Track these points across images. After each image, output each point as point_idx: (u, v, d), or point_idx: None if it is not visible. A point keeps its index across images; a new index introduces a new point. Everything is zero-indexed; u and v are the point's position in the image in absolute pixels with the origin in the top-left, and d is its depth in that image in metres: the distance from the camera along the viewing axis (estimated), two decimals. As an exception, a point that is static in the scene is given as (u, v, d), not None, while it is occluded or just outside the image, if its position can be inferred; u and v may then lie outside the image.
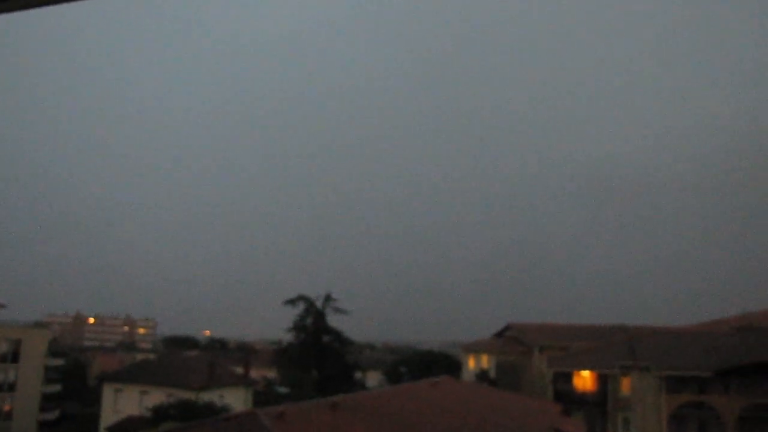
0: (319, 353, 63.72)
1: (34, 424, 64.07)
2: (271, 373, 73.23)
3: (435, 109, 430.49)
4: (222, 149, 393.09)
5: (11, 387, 62.94)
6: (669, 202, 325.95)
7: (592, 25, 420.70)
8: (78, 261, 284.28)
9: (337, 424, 23.06)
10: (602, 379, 58.29)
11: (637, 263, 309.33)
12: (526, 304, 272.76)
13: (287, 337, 68.08)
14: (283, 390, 62.23)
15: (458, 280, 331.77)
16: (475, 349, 74.70)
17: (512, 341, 71.26)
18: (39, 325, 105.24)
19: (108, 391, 57.60)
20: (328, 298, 65.46)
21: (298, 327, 65.06)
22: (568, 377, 60.28)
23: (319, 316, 65.04)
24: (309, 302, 65.28)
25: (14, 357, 63.86)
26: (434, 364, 78.80)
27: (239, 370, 64.97)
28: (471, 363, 72.99)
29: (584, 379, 59.75)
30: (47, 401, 67.78)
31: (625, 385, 56.78)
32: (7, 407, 62.30)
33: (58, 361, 74.78)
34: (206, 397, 49.12)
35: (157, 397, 50.41)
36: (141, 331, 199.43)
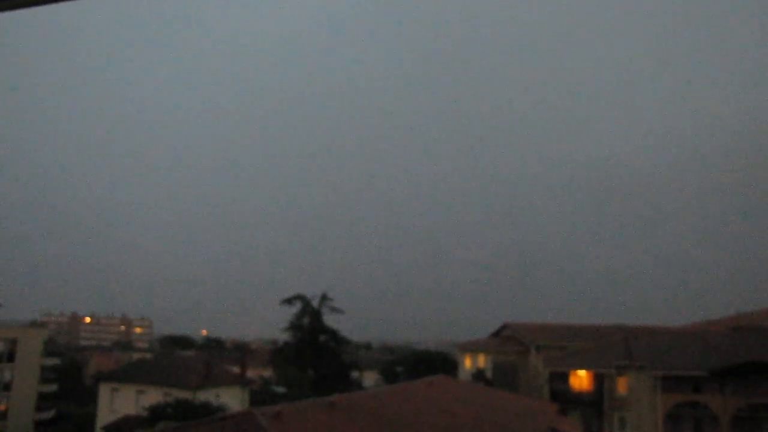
0: (315, 353, 63.74)
1: (30, 423, 63.92)
2: (268, 373, 73.28)
3: (434, 109, 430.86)
4: (219, 149, 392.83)
5: (7, 386, 62.79)
6: (666, 202, 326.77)
7: (592, 25, 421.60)
8: (74, 260, 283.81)
9: (334, 424, 23.08)
10: (598, 379, 58.39)
11: (633, 263, 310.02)
12: (523, 304, 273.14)
13: (284, 337, 68.17)
14: (279, 389, 62.30)
15: (455, 280, 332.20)
16: (472, 348, 74.74)
17: (509, 341, 71.33)
18: (35, 324, 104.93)
19: (104, 391, 57.54)
20: (324, 298, 65.50)
21: (295, 326, 65.08)
22: (564, 377, 60.36)
23: (316, 315, 65.06)
24: (305, 302, 65.31)
25: (10, 356, 63.70)
26: (431, 363, 78.85)
27: (236, 369, 64.95)
28: (467, 362, 73.03)
29: (580, 379, 59.84)
30: (43, 401, 67.65)
31: (622, 384, 56.89)
32: (2, 407, 62.18)
33: (54, 361, 74.70)
34: (203, 396, 49.09)
35: (153, 396, 50.37)
36: (137, 330, 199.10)
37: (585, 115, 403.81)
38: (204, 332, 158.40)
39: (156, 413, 43.36)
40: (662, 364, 55.52)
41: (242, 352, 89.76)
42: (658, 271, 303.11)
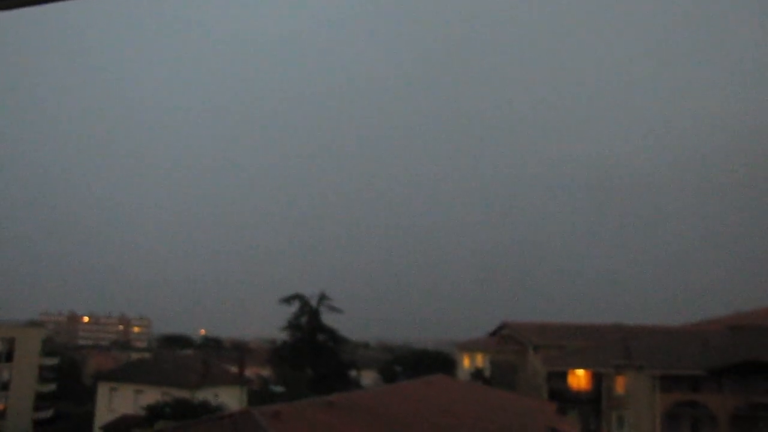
0: (313, 352, 63.74)
1: (28, 423, 63.89)
2: (266, 372, 73.19)
3: (432, 108, 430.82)
4: (217, 148, 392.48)
5: (5, 386, 62.74)
6: (665, 202, 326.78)
7: (592, 25, 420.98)
8: (72, 259, 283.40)
9: (333, 423, 23.10)
10: (597, 378, 58.46)
11: (632, 263, 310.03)
12: (521, 303, 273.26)
13: (282, 336, 68.17)
14: (277, 389, 62.22)
15: (453, 279, 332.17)
16: (471, 347, 74.87)
17: (507, 340, 71.37)
18: (33, 323, 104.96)
19: (103, 390, 57.51)
20: (322, 297, 65.49)
21: (293, 326, 65.08)
22: (562, 376, 60.41)
23: (314, 314, 65.06)
24: (304, 301, 65.30)
25: (8, 356, 63.65)
26: (429, 362, 78.90)
27: (234, 369, 64.95)
28: (466, 362, 73.16)
29: (579, 378, 59.91)
30: (42, 400, 67.61)
31: (620, 383, 56.96)
32: (1, 406, 62.12)
33: (53, 360, 74.62)
34: (201, 395, 49.07)
35: (151, 395, 50.32)
36: (136, 329, 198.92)
37: (584, 115, 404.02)
38: (202, 331, 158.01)
39: (154, 413, 43.36)
40: (660, 363, 55.62)
41: (241, 351, 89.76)
42: (657, 270, 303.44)
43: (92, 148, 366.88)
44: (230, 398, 54.24)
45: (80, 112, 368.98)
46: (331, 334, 65.63)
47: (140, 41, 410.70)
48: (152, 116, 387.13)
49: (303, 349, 63.73)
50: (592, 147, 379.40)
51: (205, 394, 50.00)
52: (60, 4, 3.03)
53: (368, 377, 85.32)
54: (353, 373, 73.07)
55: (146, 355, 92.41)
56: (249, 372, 68.63)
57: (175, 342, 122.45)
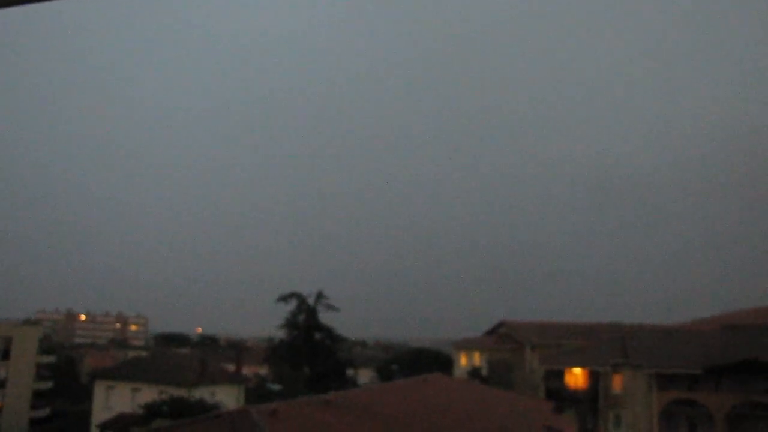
0: (311, 350, 63.73)
1: (25, 421, 63.78)
2: (263, 370, 73.24)
3: (431, 108, 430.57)
4: (215, 148, 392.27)
5: (2, 384, 62.61)
6: (662, 202, 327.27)
7: (592, 25, 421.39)
8: (69, 258, 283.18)
9: (330, 422, 23.09)
10: (594, 377, 58.51)
11: (629, 262, 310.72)
12: (519, 302, 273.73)
13: (279, 334, 68.14)
14: (275, 387, 62.21)
15: (451, 278, 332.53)
16: (468, 346, 74.89)
17: (504, 339, 71.45)
18: (30, 322, 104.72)
19: (99, 389, 57.41)
20: (320, 296, 65.48)
21: (290, 324, 65.04)
22: (559, 375, 60.47)
23: (311, 313, 65.04)
24: (301, 299, 65.27)
25: (5, 354, 63.54)
26: (426, 361, 78.91)
27: (231, 367, 64.89)
28: (463, 360, 73.18)
29: (576, 377, 59.95)
30: (38, 398, 67.47)
31: (617, 382, 57.01)
32: (-2, 404, 62.04)
33: (49, 359, 74.47)
34: (198, 394, 48.97)
35: (148, 394, 50.26)
36: (133, 328, 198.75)
37: (584, 115, 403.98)
38: (199, 330, 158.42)
39: (151, 411, 43.26)
40: (657, 362, 55.68)
41: (238, 349, 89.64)
42: (654, 269, 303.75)
43: (91, 147, 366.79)
44: (227, 397, 54.17)
45: (73, 110, 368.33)
46: (329, 332, 65.62)
47: (140, 41, 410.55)
48: (150, 115, 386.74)
49: (300, 347, 63.72)
50: (589, 146, 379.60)
51: (202, 393, 49.91)
52: (60, 3, 3.02)
53: (365, 376, 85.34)
54: (350, 371, 73.11)
55: (143, 353, 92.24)
56: (246, 370, 68.59)
57: (172, 340, 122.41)
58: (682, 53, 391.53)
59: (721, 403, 52.56)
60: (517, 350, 68.05)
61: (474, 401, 37.14)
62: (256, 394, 58.81)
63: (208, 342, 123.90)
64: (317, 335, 65.08)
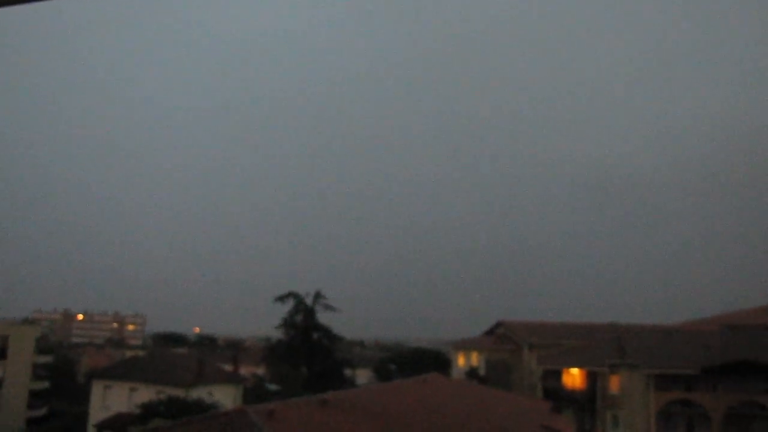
0: (308, 350, 63.67)
1: (22, 421, 63.64)
2: (261, 370, 73.13)
3: (430, 108, 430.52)
4: (213, 148, 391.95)
5: (-1, 384, 62.50)
6: (659, 202, 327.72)
7: (592, 25, 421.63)
8: (67, 257, 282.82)
9: (327, 422, 23.06)
10: (591, 377, 58.55)
11: (627, 262, 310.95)
12: (517, 302, 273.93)
13: (277, 334, 68.06)
14: (272, 387, 62.15)
15: (449, 278, 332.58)
16: (465, 346, 74.84)
17: (502, 339, 71.47)
18: (27, 321, 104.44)
19: (97, 388, 57.31)
20: (317, 295, 65.41)
21: (288, 324, 64.97)
22: (557, 375, 60.52)
23: (309, 313, 64.97)
24: (299, 299, 65.20)
25: (2, 354, 63.36)
26: (424, 361, 78.82)
27: (229, 367, 64.82)
28: (461, 360, 73.11)
29: (573, 377, 59.99)
30: (35, 398, 67.31)
31: (614, 382, 57.05)
32: (-6, 404, 61.88)
33: (46, 358, 74.28)
34: (195, 394, 48.88)
35: (146, 394, 50.17)
36: (130, 327, 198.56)
37: (584, 115, 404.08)
38: (197, 330, 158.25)
39: (149, 411, 43.17)
40: (655, 362, 55.73)
41: (235, 349, 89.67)
42: (652, 269, 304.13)
43: (90, 147, 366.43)
44: (225, 397, 54.09)
45: (72, 110, 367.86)
46: (326, 332, 65.55)
47: (140, 41, 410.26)
48: (149, 115, 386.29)
49: (298, 347, 63.65)
50: (587, 147, 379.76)
51: (199, 393, 49.81)
52: (60, 3, 2.99)
53: (363, 376, 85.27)
54: (348, 371, 73.01)
55: (141, 353, 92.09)
56: (244, 370, 68.52)
57: (170, 340, 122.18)
58: (682, 53, 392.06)
59: (718, 403, 52.63)
60: (515, 350, 68.07)
61: (472, 401, 37.12)
62: (254, 394, 58.73)
63: (205, 342, 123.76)
64: (315, 335, 65.02)
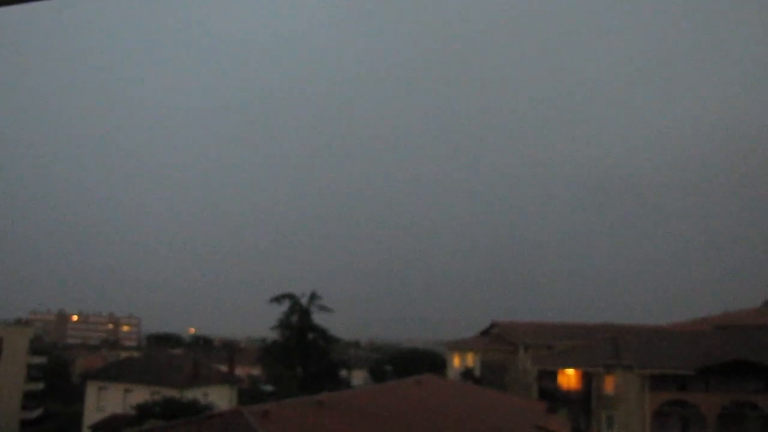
0: (304, 351, 63.63)
1: (16, 422, 63.48)
2: (256, 371, 73.16)
3: (428, 108, 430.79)
4: (208, 148, 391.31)
5: (-7, 385, 62.35)
6: (653, 203, 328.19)
7: (592, 25, 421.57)
8: (62, 258, 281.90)
9: (323, 422, 23.07)
10: (586, 378, 58.65)
11: (621, 263, 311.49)
12: (512, 303, 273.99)
13: (272, 335, 67.99)
14: (267, 388, 62.18)
15: (444, 279, 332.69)
16: (460, 347, 74.87)
17: (497, 339, 71.55)
18: (21, 322, 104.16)
19: (91, 389, 57.20)
20: (313, 296, 65.36)
21: (283, 325, 64.90)
22: (552, 375, 60.60)
23: (304, 313, 64.91)
24: (294, 300, 65.15)
25: (-4, 355, 63.26)
26: (419, 362, 79.00)
27: (224, 368, 64.80)
28: (456, 361, 73.16)
29: (569, 378, 60.08)
30: (29, 399, 67.18)
31: (609, 383, 57.16)
32: (-12, 405, 61.71)
33: (41, 359, 74.16)
34: (191, 395, 48.85)
35: (141, 395, 50.09)
36: (125, 328, 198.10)
37: (575, 115, 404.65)
38: (192, 330, 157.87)
39: (143, 412, 43.10)
40: (650, 362, 55.87)
41: (230, 350, 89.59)
42: (646, 270, 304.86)
43: (89, 147, 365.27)
44: (220, 397, 54.08)
45: (71, 109, 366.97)
46: (322, 333, 65.52)
47: (140, 41, 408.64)
48: (145, 114, 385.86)
49: (293, 348, 63.60)
50: (584, 147, 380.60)
51: (194, 394, 49.80)
52: (60, 3, 3.00)
53: (358, 376, 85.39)
54: (343, 372, 73.07)
55: (135, 354, 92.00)
56: (239, 371, 68.53)
57: (165, 341, 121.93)
58: (682, 53, 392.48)
59: (712, 404, 52.81)
60: (510, 351, 68.14)
61: (467, 402, 37.18)
62: (249, 394, 58.77)
63: (201, 343, 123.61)
64: (310, 336, 64.97)
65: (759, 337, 56.95)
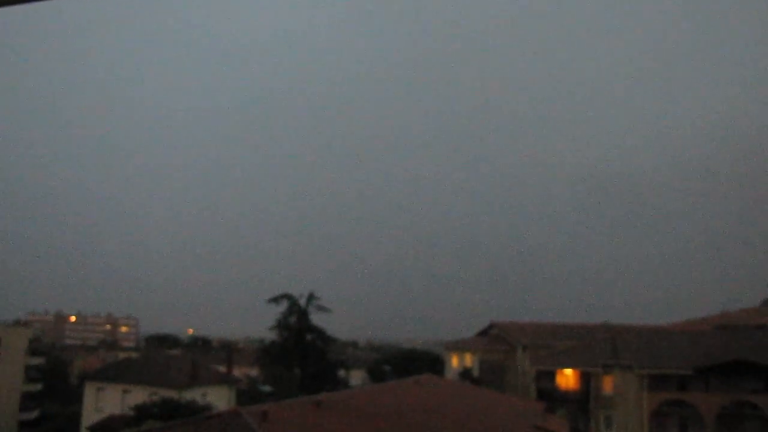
0: (302, 352, 63.64)
1: (14, 423, 63.37)
2: (255, 372, 73.03)
3: (428, 108, 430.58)
4: (206, 149, 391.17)
5: (-9, 386, 62.24)
6: (651, 203, 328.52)
7: (592, 25, 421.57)
8: (60, 259, 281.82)
9: (321, 423, 23.04)
10: (585, 378, 58.67)
11: (620, 263, 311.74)
12: (510, 303, 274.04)
13: (270, 336, 67.98)
14: (266, 388, 62.08)
15: (443, 279, 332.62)
16: (459, 347, 74.82)
17: (496, 340, 71.53)
18: (19, 323, 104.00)
19: (90, 390, 57.13)
20: (311, 297, 65.36)
21: (282, 325, 64.90)
22: (551, 375, 60.60)
23: (303, 314, 64.92)
24: (292, 300, 65.15)
25: (-6, 356, 63.16)
26: (418, 362, 78.91)
27: (222, 368, 64.71)
28: (454, 361, 73.12)
29: (567, 378, 60.09)
30: (28, 400, 67.07)
31: (608, 383, 57.19)
32: (-14, 406, 61.60)
33: (39, 360, 74.04)
34: (189, 395, 48.81)
35: (139, 395, 50.04)
36: (123, 329, 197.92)
37: (574, 115, 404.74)
38: (190, 331, 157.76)
39: (142, 412, 43.05)
40: (648, 362, 55.90)
41: (229, 351, 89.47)
42: (645, 270, 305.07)
43: (88, 147, 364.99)
44: (218, 398, 54.02)
45: (76, 111, 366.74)
46: (320, 333, 65.51)
47: (140, 41, 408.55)
48: (146, 114, 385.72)
49: (291, 348, 63.59)
50: (582, 147, 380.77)
51: (193, 394, 49.76)
52: (60, 3, 2.99)
53: (357, 377, 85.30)
54: (342, 372, 73.03)
55: (134, 354, 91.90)
56: (237, 372, 68.41)
57: (163, 341, 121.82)
58: (682, 53, 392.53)
59: (711, 403, 52.84)
60: (509, 351, 68.13)
61: (465, 402, 37.16)
62: (248, 395, 58.66)
63: (199, 343, 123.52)
64: (308, 336, 64.96)
65: (758, 337, 57.04)
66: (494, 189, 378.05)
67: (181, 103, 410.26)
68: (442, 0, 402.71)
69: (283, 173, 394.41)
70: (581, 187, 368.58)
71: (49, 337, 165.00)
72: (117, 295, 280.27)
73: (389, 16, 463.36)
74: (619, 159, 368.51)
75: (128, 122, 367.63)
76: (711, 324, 63.85)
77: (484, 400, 40.02)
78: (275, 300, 65.04)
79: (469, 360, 71.17)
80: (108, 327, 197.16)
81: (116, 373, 58.70)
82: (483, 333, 76.49)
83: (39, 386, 70.66)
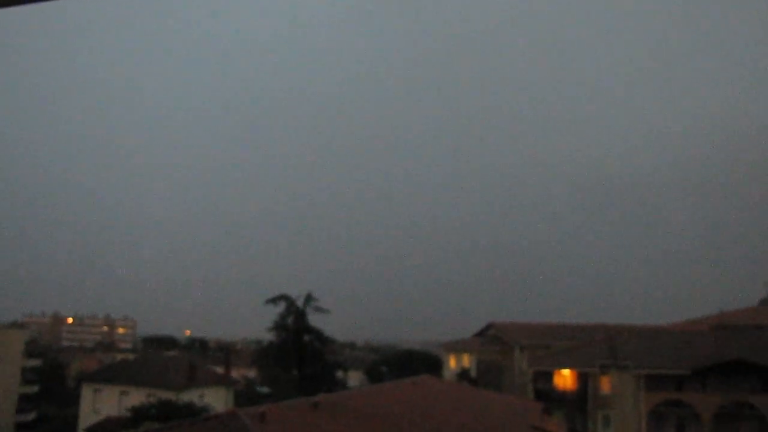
0: (300, 353, 63.52)
1: (10, 425, 63.21)
2: (252, 373, 73.04)
3: (428, 108, 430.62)
4: (204, 149, 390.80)
5: (-13, 388, 62.06)
6: (649, 203, 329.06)
7: (592, 25, 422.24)
8: (57, 260, 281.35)
9: (319, 424, 23.01)
10: (582, 378, 58.68)
11: (617, 263, 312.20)
12: (507, 304, 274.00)
13: (268, 337, 67.81)
14: (264, 390, 62.10)
15: (441, 279, 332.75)
16: (457, 348, 74.94)
17: (493, 340, 71.52)
18: (16, 325, 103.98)
19: (87, 392, 57.07)
20: (309, 298, 65.25)
21: (279, 326, 64.77)
22: (548, 376, 60.60)
23: (300, 315, 64.80)
24: (290, 301, 65.02)
25: (-9, 357, 62.98)
26: (415, 363, 79.02)
27: (220, 370, 64.68)
28: (452, 362, 73.23)
29: (565, 378, 60.11)
30: (24, 402, 66.91)
31: (605, 383, 57.21)
32: (-17, 408, 61.43)
33: (36, 362, 73.89)
34: (186, 397, 48.80)
35: (136, 397, 50.01)
36: (120, 330, 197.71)
37: (573, 115, 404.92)
38: (188, 332, 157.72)
39: (139, 414, 43.04)
40: (646, 363, 55.92)
41: (226, 352, 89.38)
42: (642, 270, 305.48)
43: (88, 147, 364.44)
44: (216, 399, 54.00)
45: (76, 111, 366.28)
46: (318, 334, 65.40)
47: (140, 41, 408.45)
48: (146, 114, 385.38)
49: (289, 349, 63.48)
50: (581, 147, 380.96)
51: (190, 396, 49.75)
52: (60, 3, 2.97)
53: (355, 378, 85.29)
54: (340, 373, 72.96)
55: (131, 356, 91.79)
56: (235, 373, 68.39)
57: (161, 343, 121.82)
58: (682, 53, 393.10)
59: (708, 404, 52.88)
60: (506, 352, 68.13)
61: (463, 403, 37.15)
62: (246, 396, 58.68)
63: (196, 345, 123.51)
64: (306, 337, 64.85)
65: (756, 337, 57.09)
66: (494, 189, 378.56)
67: (180, 103, 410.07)
68: (442, 0, 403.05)
69: (282, 173, 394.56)
70: (580, 187, 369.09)
71: (46, 338, 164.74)
72: (114, 297, 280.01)
73: (389, 16, 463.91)
74: (618, 159, 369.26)
75: (127, 122, 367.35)
76: (709, 324, 63.90)
77: (481, 401, 40.00)
78: (273, 301, 64.92)
79: (466, 360, 71.30)
80: (105, 328, 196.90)
81: (113, 375, 58.63)
82: (481, 333, 76.50)
83: (36, 388, 70.51)
